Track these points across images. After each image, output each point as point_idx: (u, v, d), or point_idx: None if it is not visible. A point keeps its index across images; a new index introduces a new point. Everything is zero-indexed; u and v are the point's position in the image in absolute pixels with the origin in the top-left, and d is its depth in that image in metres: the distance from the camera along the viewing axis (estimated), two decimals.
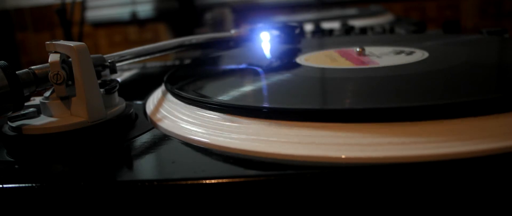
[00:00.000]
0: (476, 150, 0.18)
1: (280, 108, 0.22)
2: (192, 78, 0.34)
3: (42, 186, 0.20)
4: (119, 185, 0.19)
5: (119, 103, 0.28)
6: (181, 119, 0.25)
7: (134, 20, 1.55)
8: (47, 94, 0.26)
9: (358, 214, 0.18)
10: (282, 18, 0.95)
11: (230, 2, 1.38)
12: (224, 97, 0.26)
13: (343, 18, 0.79)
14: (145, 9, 1.54)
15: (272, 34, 0.43)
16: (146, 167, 0.21)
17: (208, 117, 0.24)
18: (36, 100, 0.29)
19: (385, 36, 0.53)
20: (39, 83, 0.25)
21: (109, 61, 0.29)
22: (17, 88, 0.23)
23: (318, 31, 0.64)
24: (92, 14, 1.56)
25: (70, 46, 0.24)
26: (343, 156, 0.19)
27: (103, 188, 0.19)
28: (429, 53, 0.33)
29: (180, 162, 0.21)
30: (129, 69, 0.51)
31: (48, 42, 0.25)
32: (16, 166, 0.22)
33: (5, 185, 0.20)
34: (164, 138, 0.25)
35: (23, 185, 0.20)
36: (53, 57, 0.25)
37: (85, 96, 0.24)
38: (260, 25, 0.43)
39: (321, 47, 0.42)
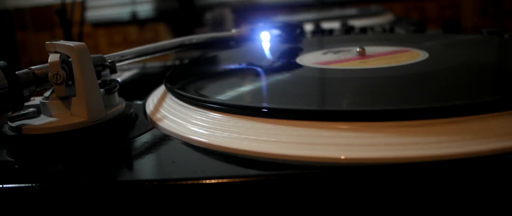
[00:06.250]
0: (476, 150, 0.18)
1: (280, 108, 0.22)
2: (192, 78, 0.34)
3: (42, 186, 0.20)
4: (119, 185, 0.19)
5: (119, 103, 0.28)
6: (181, 119, 0.25)
7: (134, 20, 1.55)
8: (47, 94, 0.26)
9: (358, 214, 0.18)
10: (282, 18, 0.95)
11: (230, 2, 1.38)
12: (224, 97, 0.26)
13: (343, 18, 0.79)
14: (145, 9, 1.54)
15: (272, 34, 0.43)
16: (146, 167, 0.21)
17: (208, 117, 0.24)
18: (36, 100, 0.29)
19: (385, 35, 0.53)
20: (39, 83, 0.25)
21: (109, 61, 0.29)
22: (17, 88, 0.23)
23: (318, 31, 0.64)
24: (92, 14, 1.55)
25: (70, 46, 0.24)
26: (342, 157, 0.19)
27: (103, 188, 0.19)
28: (429, 53, 0.33)
29: (180, 162, 0.21)
30: (129, 69, 0.51)
31: (48, 42, 0.25)
32: (16, 166, 0.22)
33: (5, 185, 0.20)
34: (164, 138, 0.25)
35: (23, 185, 0.20)
36: (53, 57, 0.25)
37: (85, 96, 0.24)
38: (260, 24, 0.43)
39: (321, 47, 0.42)
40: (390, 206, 0.17)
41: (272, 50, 0.42)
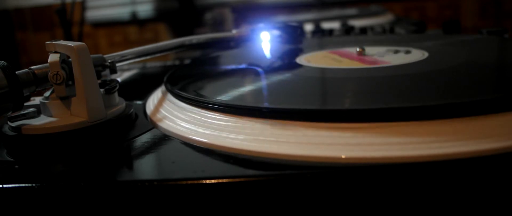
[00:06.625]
0: (476, 150, 0.18)
1: (280, 108, 0.22)
2: (192, 78, 0.34)
3: (42, 186, 0.20)
4: (119, 185, 0.19)
5: (119, 103, 0.28)
6: (181, 119, 0.25)
7: (134, 20, 1.55)
8: (47, 94, 0.26)
9: (358, 214, 0.18)
10: (282, 18, 0.95)
11: (230, 2, 1.38)
12: (224, 97, 0.26)
13: (343, 18, 0.79)
14: (145, 9, 1.54)
15: (273, 34, 0.43)
16: (146, 167, 0.21)
17: (208, 117, 0.24)
18: (36, 100, 0.29)
19: (385, 36, 0.53)
20: (39, 83, 0.25)
21: (109, 61, 0.29)
22: (17, 88, 0.23)
23: (318, 31, 0.64)
24: (92, 14, 1.55)
25: (70, 46, 0.24)
26: (343, 156, 0.19)
27: (103, 188, 0.19)
28: (429, 53, 0.33)
29: (180, 162, 0.21)
30: (129, 69, 0.51)
31: (48, 42, 0.25)
32: (16, 166, 0.22)
33: (5, 185, 0.20)
34: (164, 138, 0.25)
35: (23, 185, 0.20)
36: (53, 57, 0.25)
37: (85, 96, 0.24)
38: (261, 25, 0.43)
39: (321, 47, 0.42)
40: (391, 206, 0.17)
41: (272, 51, 0.42)
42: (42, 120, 0.25)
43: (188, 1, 1.38)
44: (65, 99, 0.25)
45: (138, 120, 0.28)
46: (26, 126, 0.24)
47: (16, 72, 0.24)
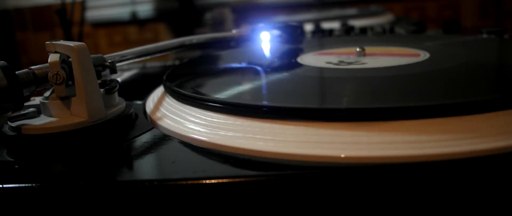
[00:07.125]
0: (476, 150, 0.18)
1: (280, 107, 0.22)
2: (192, 77, 0.34)
3: (42, 186, 0.20)
4: (119, 185, 0.19)
5: (119, 103, 0.28)
6: (181, 119, 0.25)
7: (134, 20, 1.55)
8: (47, 94, 0.26)
9: (358, 214, 0.18)
10: (282, 18, 0.95)
11: (230, 2, 1.38)
12: (224, 96, 0.26)
13: (343, 18, 0.79)
14: (145, 9, 1.54)
15: (273, 34, 0.43)
16: (146, 167, 0.21)
17: (208, 117, 0.24)
18: (36, 100, 0.29)
19: (385, 36, 0.53)
20: (39, 83, 0.25)
21: (109, 61, 0.29)
22: (17, 88, 0.23)
23: (318, 31, 0.64)
24: (92, 14, 1.55)
25: (70, 46, 0.24)
26: (342, 155, 0.19)
27: (103, 188, 0.19)
28: (430, 53, 0.33)
29: (180, 162, 0.21)
30: (129, 69, 0.51)
31: (48, 42, 0.25)
32: (16, 166, 0.22)
33: (5, 185, 0.20)
34: (164, 138, 0.25)
35: (23, 185, 0.20)
36: (53, 57, 0.25)
37: (85, 96, 0.24)
38: (261, 25, 0.43)
39: (321, 47, 0.42)
40: (391, 205, 0.17)
41: (272, 50, 0.42)
42: (42, 120, 0.25)
43: (188, 1, 1.38)
44: (65, 99, 0.25)
45: (138, 120, 0.28)
46: (26, 126, 0.24)
47: (16, 72, 0.24)
